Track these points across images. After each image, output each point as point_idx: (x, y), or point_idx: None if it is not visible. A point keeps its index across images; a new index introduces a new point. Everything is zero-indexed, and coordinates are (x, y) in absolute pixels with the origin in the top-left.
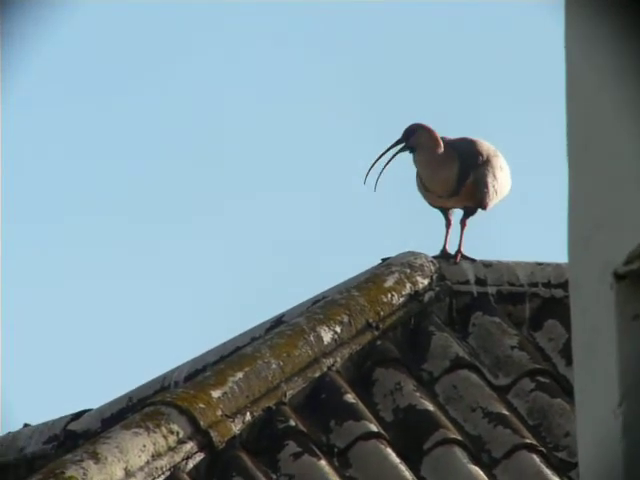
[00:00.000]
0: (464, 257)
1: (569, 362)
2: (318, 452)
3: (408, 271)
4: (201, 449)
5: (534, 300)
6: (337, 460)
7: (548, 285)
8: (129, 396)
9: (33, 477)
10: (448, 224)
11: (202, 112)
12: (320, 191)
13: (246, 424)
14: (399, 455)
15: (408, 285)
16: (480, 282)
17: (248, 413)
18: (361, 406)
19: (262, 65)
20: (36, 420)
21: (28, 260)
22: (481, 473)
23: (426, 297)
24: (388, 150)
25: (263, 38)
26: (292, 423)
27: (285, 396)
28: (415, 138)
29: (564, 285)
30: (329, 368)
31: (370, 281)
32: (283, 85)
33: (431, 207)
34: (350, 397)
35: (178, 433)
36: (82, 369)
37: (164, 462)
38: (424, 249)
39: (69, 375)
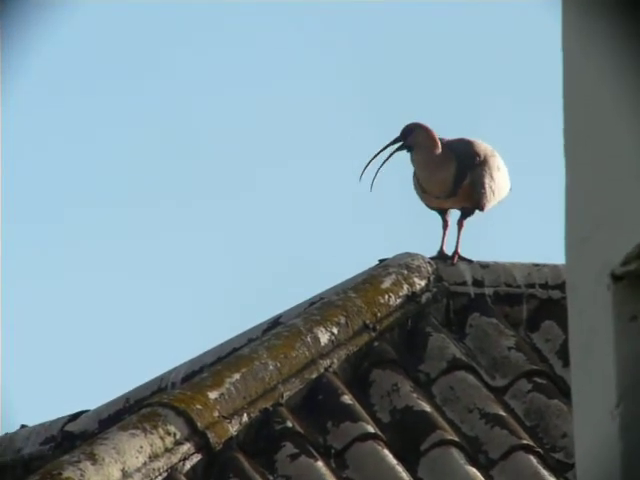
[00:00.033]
0: (461, 258)
1: (566, 363)
2: (315, 453)
3: (405, 272)
4: (198, 450)
5: (531, 301)
6: (334, 461)
7: (545, 286)
8: (126, 397)
9: (30, 478)
10: (445, 225)
11: (202, 112)
12: (317, 191)
13: (243, 425)
14: (396, 456)
15: (405, 286)
16: (477, 283)
17: (245, 414)
18: (358, 407)
19: (262, 65)
20: (33, 421)
21: (25, 262)
22: (478, 474)
23: (423, 298)
24: (385, 148)
25: (263, 37)
26: (289, 424)
27: (282, 397)
28: (413, 137)
29: (561, 286)
30: (326, 369)
31: (367, 282)
32: (283, 85)
33: (428, 209)
34: (347, 398)
35: (175, 434)
36: (79, 370)
37: (161, 463)
38: (421, 250)
39: (66, 376)
